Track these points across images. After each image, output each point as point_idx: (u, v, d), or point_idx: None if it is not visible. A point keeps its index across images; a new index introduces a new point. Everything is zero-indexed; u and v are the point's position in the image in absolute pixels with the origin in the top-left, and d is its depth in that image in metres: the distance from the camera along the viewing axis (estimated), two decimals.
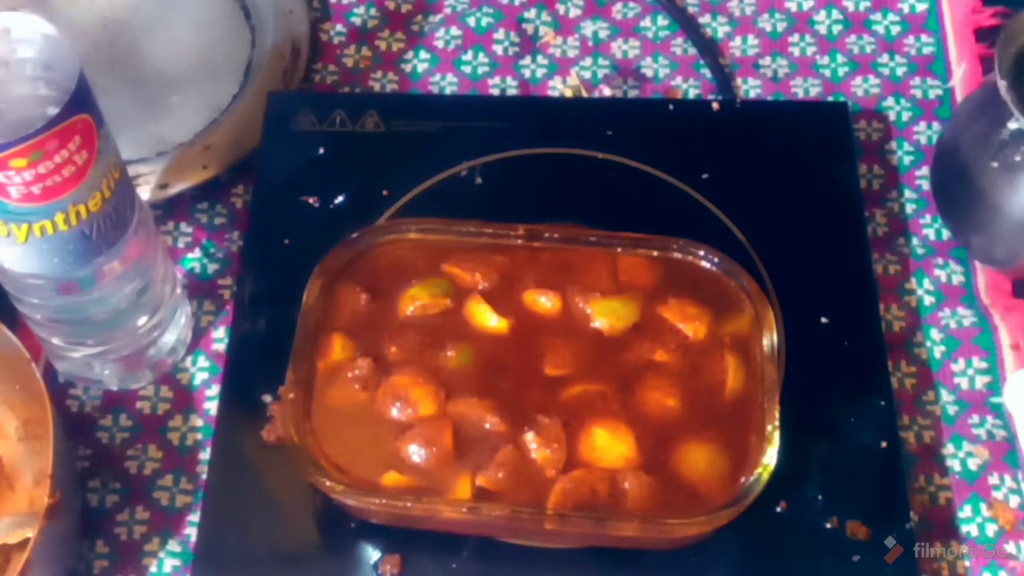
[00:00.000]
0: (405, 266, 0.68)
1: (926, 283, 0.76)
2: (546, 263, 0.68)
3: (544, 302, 0.67)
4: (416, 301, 0.66)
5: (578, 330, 0.66)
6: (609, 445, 0.62)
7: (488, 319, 0.66)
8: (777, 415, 0.62)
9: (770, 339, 0.65)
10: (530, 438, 0.62)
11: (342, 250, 0.67)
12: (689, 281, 0.67)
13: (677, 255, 0.68)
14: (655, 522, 0.60)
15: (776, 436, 0.61)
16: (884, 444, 0.67)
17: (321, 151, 0.78)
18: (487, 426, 0.63)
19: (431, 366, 0.64)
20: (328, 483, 0.60)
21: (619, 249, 0.68)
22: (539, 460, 0.62)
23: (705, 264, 0.68)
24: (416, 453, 0.62)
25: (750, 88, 0.84)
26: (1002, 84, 0.68)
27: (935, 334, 0.74)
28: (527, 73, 0.85)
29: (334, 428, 0.63)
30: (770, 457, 0.61)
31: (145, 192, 0.75)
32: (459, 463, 0.62)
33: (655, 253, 0.68)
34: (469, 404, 0.63)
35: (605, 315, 0.66)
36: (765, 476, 0.60)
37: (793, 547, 0.65)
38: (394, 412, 0.63)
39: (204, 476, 0.69)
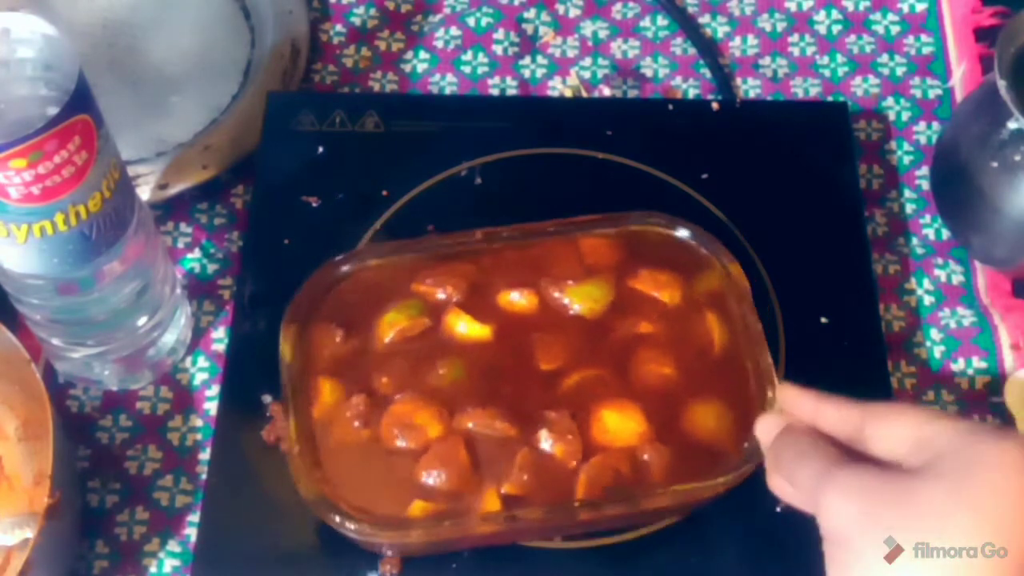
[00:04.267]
0: (373, 295, 0.67)
1: (926, 283, 0.76)
2: (512, 262, 0.68)
3: (520, 300, 0.67)
4: (394, 327, 0.66)
5: (560, 320, 0.67)
6: (620, 424, 0.63)
7: (470, 328, 0.66)
8: (769, 357, 0.63)
9: (742, 288, 0.66)
10: (544, 435, 0.62)
11: (306, 292, 0.66)
12: (653, 250, 0.69)
13: (635, 227, 0.69)
14: (686, 489, 0.61)
15: (773, 375, 0.63)
16: None
17: (321, 151, 0.78)
18: (498, 434, 0.63)
19: (427, 388, 0.64)
20: (355, 527, 0.59)
21: (578, 233, 0.69)
22: (558, 455, 0.62)
23: (663, 230, 0.69)
24: (435, 477, 0.61)
25: (750, 88, 0.84)
26: (1002, 84, 0.68)
27: (935, 334, 0.74)
28: (527, 73, 0.85)
29: (346, 472, 0.62)
30: (773, 398, 0.62)
31: (145, 192, 0.75)
32: (480, 476, 0.62)
33: (613, 230, 0.69)
34: (474, 416, 0.63)
35: (582, 300, 0.67)
36: None
37: (793, 547, 0.65)
38: (402, 442, 0.62)
39: (204, 476, 0.69)
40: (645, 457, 0.62)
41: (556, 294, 0.67)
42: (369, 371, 0.65)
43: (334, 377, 0.64)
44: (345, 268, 0.68)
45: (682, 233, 0.69)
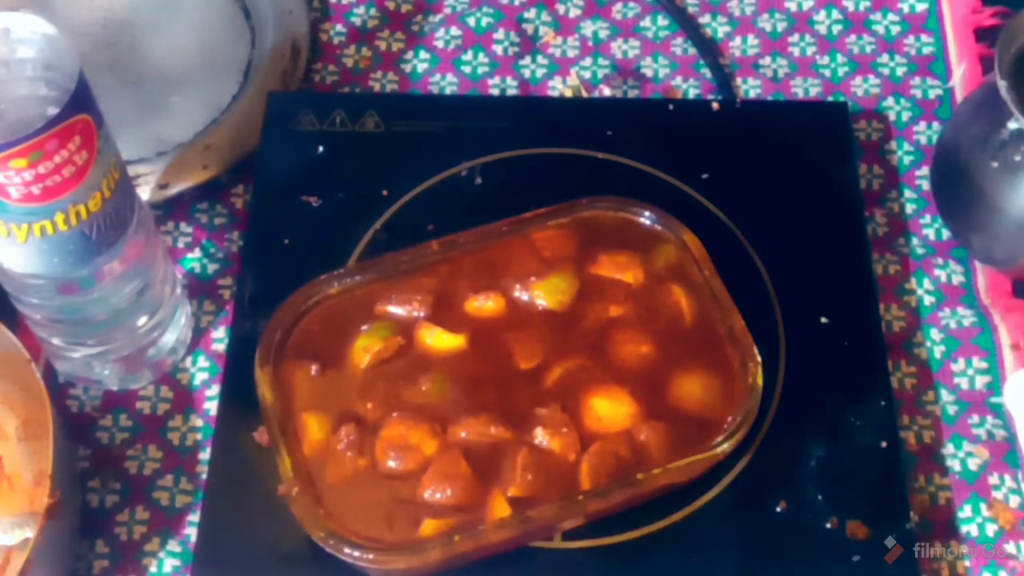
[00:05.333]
0: (340, 324, 0.67)
1: (926, 283, 0.76)
2: (472, 268, 0.69)
3: (487, 304, 0.67)
4: (369, 351, 0.65)
5: (530, 318, 0.67)
6: (610, 409, 0.64)
7: (444, 340, 0.66)
8: (741, 319, 0.65)
9: (701, 255, 0.67)
10: (539, 433, 0.63)
11: (271, 331, 0.66)
12: (607, 233, 0.70)
13: (585, 213, 0.70)
14: (689, 462, 0.62)
15: (749, 337, 0.64)
16: (884, 444, 0.67)
17: (321, 151, 0.78)
18: (493, 439, 0.63)
19: (413, 406, 0.64)
20: (372, 556, 0.59)
21: (531, 228, 0.70)
22: (556, 449, 0.62)
23: (613, 212, 0.70)
24: (440, 493, 0.61)
25: (750, 88, 0.84)
26: (1002, 84, 0.68)
27: (935, 334, 0.74)
28: (527, 73, 0.85)
29: (350, 504, 0.61)
30: (754, 356, 0.64)
31: (145, 192, 0.75)
32: (485, 484, 0.62)
33: (565, 219, 0.70)
34: (467, 426, 0.63)
35: (548, 294, 0.67)
36: (760, 377, 0.63)
37: (793, 547, 0.65)
38: (400, 464, 0.62)
39: (204, 476, 0.69)
40: (642, 437, 0.63)
41: (521, 292, 0.67)
42: (352, 399, 0.64)
43: (318, 411, 0.64)
44: (308, 302, 0.67)
45: (632, 212, 0.70)
